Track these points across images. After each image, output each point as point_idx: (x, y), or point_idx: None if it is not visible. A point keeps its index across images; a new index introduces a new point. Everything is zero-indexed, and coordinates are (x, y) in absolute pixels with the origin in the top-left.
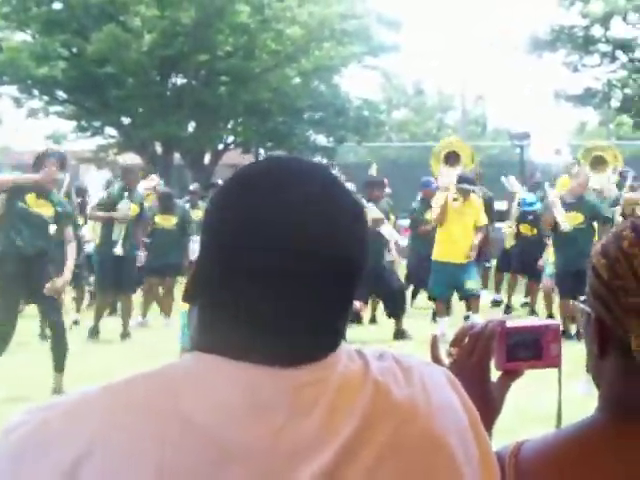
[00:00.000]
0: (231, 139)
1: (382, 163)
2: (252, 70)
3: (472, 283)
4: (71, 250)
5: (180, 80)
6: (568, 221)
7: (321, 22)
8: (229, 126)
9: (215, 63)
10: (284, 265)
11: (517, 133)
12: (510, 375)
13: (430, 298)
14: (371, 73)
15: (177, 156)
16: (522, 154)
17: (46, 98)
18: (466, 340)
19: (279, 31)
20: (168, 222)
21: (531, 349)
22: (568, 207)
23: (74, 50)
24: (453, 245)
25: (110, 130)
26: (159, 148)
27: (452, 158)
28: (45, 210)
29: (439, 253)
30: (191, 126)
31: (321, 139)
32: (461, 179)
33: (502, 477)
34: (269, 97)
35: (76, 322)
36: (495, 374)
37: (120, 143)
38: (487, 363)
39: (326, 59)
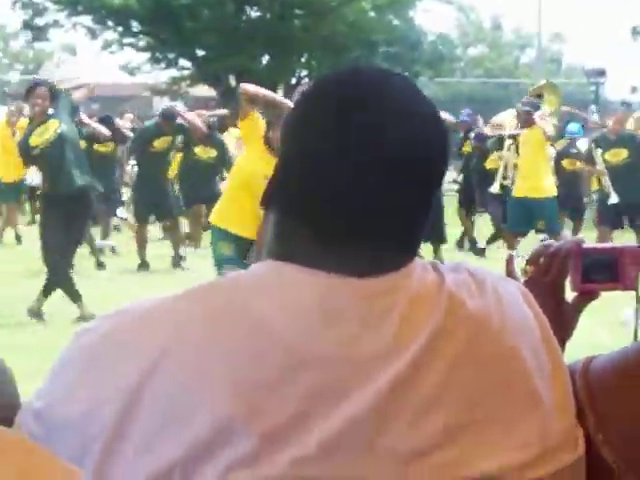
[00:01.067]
0: (305, 73)
1: (456, 99)
2: (327, 3)
3: (548, 221)
4: None
5: (255, 13)
6: (612, 158)
7: None
8: (303, 60)
9: None
10: (360, 176)
11: (592, 70)
12: (585, 297)
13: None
14: (446, 7)
15: None
16: (597, 92)
17: (120, 29)
18: (542, 259)
19: None
20: (206, 154)
21: (608, 271)
22: (611, 145)
23: None
24: (525, 180)
25: (184, 62)
26: (232, 81)
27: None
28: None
29: (515, 189)
30: (265, 59)
31: None
32: (525, 104)
33: (573, 389)
34: (344, 31)
35: (113, 249)
36: (570, 295)
37: (193, 75)
38: (562, 282)
39: None
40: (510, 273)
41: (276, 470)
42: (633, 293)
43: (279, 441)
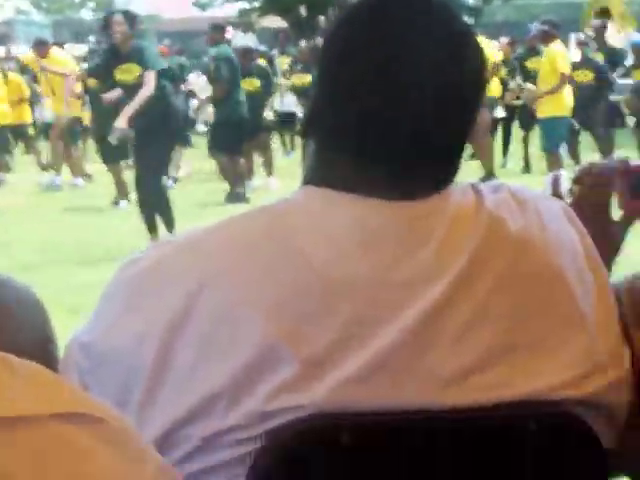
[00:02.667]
0: None
1: (529, 21)
2: None
3: None
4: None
5: None
6: None
7: None
8: None
9: None
10: (395, 98)
11: None
12: (632, 215)
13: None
14: None
15: (322, 19)
16: None
17: None
18: (588, 178)
19: None
20: (250, 85)
21: None
22: None
23: None
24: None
25: None
26: (303, 11)
27: (603, 13)
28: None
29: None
30: None
31: None
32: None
33: (619, 307)
34: None
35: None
36: (617, 214)
37: (263, 6)
38: (608, 201)
39: None
40: (556, 193)
41: (317, 394)
42: None
43: (320, 366)
